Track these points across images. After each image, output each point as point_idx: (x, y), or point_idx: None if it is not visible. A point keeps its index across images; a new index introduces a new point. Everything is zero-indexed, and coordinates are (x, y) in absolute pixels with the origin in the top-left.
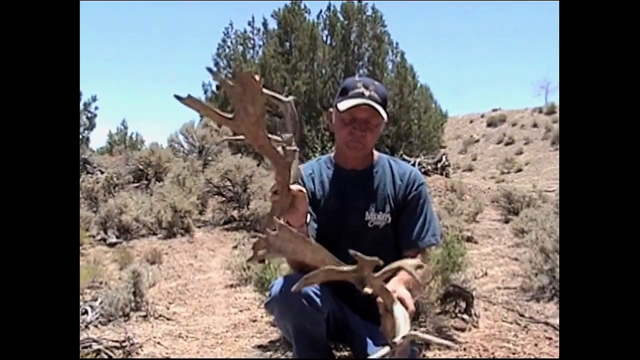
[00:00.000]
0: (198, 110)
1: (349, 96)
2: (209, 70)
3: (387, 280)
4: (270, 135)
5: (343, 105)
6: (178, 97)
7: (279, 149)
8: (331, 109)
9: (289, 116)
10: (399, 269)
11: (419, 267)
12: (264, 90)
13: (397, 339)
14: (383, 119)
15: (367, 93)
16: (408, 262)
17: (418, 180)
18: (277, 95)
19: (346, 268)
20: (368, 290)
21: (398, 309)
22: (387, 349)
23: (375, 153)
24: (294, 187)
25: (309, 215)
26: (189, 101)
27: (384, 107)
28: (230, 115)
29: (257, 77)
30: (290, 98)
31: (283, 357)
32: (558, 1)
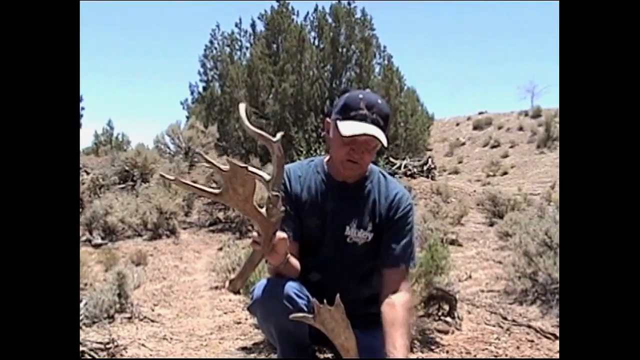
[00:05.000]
0: (186, 189)
1: (351, 117)
2: (198, 153)
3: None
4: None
5: (345, 129)
6: (164, 177)
7: (263, 210)
8: (328, 120)
9: (274, 157)
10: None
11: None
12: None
13: None
14: (383, 144)
15: (370, 117)
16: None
17: (405, 202)
18: (264, 134)
19: None
20: None
21: None
22: None
23: (369, 166)
24: (277, 235)
25: (288, 254)
26: (176, 182)
27: (386, 126)
28: (217, 191)
29: (250, 169)
30: (278, 137)
31: (267, 359)
32: (555, 1)
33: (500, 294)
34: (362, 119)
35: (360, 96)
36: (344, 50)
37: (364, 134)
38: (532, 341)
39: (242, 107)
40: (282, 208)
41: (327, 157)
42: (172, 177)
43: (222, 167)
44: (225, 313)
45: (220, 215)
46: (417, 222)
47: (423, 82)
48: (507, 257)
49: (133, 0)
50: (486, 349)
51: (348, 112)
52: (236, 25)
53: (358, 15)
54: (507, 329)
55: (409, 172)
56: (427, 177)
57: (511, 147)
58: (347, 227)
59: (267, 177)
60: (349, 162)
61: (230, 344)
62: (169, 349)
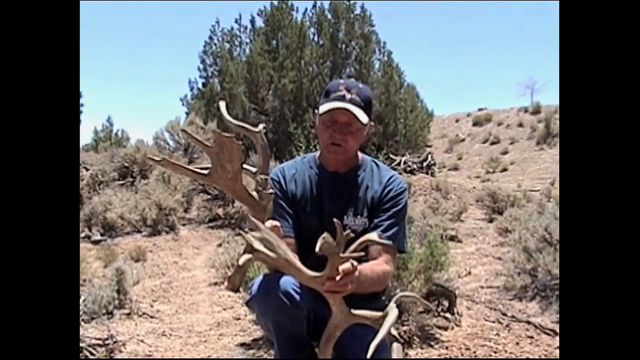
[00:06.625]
0: (173, 170)
1: (330, 99)
2: (183, 130)
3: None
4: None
5: (323, 107)
6: (152, 159)
7: (254, 193)
8: (315, 111)
9: (259, 147)
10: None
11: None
12: (235, 122)
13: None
14: (363, 125)
15: (348, 96)
16: (372, 235)
17: (397, 185)
18: (246, 126)
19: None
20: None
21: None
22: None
23: (360, 155)
24: (268, 223)
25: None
26: (164, 163)
27: (368, 110)
28: (205, 172)
29: (235, 140)
30: (260, 127)
31: (266, 355)
32: (555, 1)
33: (500, 290)
34: (341, 98)
35: (341, 81)
36: (344, 46)
37: (338, 108)
38: (532, 337)
39: (222, 104)
40: (272, 190)
41: (319, 152)
42: (158, 158)
43: (207, 144)
44: (225, 309)
45: (220, 211)
46: (417, 219)
47: (423, 79)
48: (506, 253)
49: None
50: (485, 344)
51: (329, 96)
52: (236, 22)
53: (357, 11)
54: (507, 325)
55: (408, 169)
56: (427, 173)
57: (511, 143)
58: (344, 217)
59: (254, 170)
60: (333, 146)
61: (229, 340)
62: (167, 345)
